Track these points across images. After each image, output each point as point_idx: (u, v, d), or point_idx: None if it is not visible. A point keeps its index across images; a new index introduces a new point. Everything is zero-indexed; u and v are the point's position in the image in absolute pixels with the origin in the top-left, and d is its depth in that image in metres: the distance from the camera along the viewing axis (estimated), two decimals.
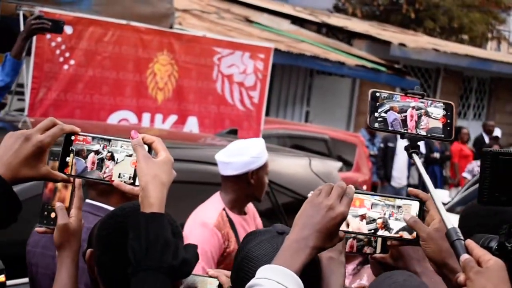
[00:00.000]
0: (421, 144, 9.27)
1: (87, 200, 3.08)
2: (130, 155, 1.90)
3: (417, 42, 18.06)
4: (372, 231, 2.01)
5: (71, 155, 1.91)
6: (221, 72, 7.90)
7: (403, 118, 2.01)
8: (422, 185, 13.28)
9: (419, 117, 2.02)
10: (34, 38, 6.64)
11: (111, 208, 3.00)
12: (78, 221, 2.20)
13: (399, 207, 2.02)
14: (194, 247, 1.88)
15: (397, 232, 2.01)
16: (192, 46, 7.75)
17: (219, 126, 7.80)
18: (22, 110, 7.04)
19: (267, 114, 9.58)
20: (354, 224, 2.00)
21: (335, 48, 15.33)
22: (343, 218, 1.87)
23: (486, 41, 27.23)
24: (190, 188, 4.49)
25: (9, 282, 3.43)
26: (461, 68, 18.88)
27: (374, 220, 2.00)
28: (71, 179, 1.95)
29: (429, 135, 2.02)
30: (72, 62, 6.99)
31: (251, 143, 4.28)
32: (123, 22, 7.31)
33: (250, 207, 4.35)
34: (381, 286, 1.83)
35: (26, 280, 3.40)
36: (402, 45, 16.66)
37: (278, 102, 15.41)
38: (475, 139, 16.35)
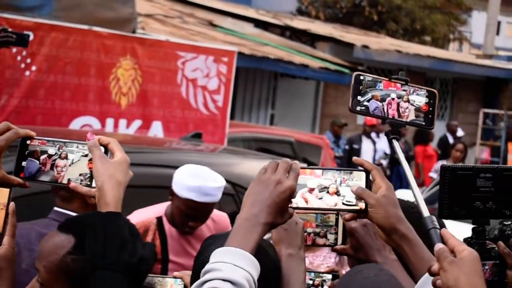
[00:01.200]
0: (386, 145, 9.29)
1: (55, 208, 3.06)
2: (86, 155, 1.90)
3: (380, 44, 18.19)
4: (323, 198, 1.98)
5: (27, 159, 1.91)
6: (185, 76, 7.88)
7: (384, 106, 2.02)
8: None
9: (399, 104, 2.03)
10: None
11: (74, 214, 2.98)
12: (11, 249, 2.13)
13: (350, 173, 2.01)
14: (152, 245, 1.87)
15: (348, 201, 1.99)
16: (155, 50, 7.73)
17: (183, 130, 7.78)
18: None
19: (232, 117, 9.57)
20: (311, 200, 1.98)
21: (299, 51, 15.37)
22: (291, 191, 1.87)
23: (448, 42, 27.56)
24: (154, 192, 4.47)
25: None
26: (423, 69, 19.05)
27: (326, 187, 1.99)
28: (27, 183, 1.93)
29: (410, 121, 2.03)
30: (33, 68, 6.93)
31: (200, 170, 3.95)
32: (85, 27, 7.26)
33: (219, 225, 4.13)
34: (352, 281, 1.82)
35: None
36: (365, 47, 16.76)
37: (242, 105, 15.41)
38: (439, 139, 16.49)
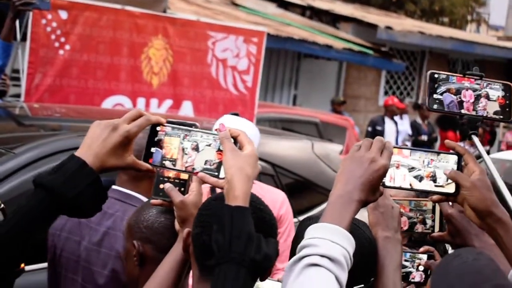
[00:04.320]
0: (408, 126, 9.29)
1: (114, 187, 3.05)
2: (209, 145, 1.89)
3: (403, 25, 18.10)
4: (418, 179, 1.99)
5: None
6: (216, 56, 7.89)
7: (459, 100, 2.02)
8: None
9: (476, 98, 2.02)
10: (30, 23, 6.62)
11: (140, 196, 2.98)
12: (199, 195, 2.16)
13: (438, 154, 2.02)
14: (276, 243, 1.85)
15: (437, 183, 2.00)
16: (186, 30, 7.73)
17: (213, 110, 7.80)
18: (17, 95, 7.00)
19: None
20: (399, 176, 2.00)
21: (322, 32, 15.33)
22: (385, 170, 1.89)
23: (466, 24, 27.38)
24: None
25: (27, 267, 3.43)
26: (446, 51, 18.96)
27: (413, 168, 2.00)
28: (155, 169, 1.93)
29: (487, 116, 2.03)
30: (67, 47, 6.95)
31: None
32: (118, 6, 7.27)
33: (264, 196, 4.21)
34: (450, 266, 1.82)
35: (45, 265, 3.42)
36: (388, 28, 16.70)
37: (266, 85, 15.39)
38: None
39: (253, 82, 8.21)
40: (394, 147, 1.97)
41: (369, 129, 13.63)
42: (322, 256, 1.73)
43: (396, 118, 13.75)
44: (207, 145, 1.89)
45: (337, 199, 1.85)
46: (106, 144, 1.82)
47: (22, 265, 3.34)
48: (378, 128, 13.40)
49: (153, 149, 1.91)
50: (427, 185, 2.00)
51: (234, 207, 1.77)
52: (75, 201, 1.74)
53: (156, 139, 1.91)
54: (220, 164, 1.87)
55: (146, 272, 2.22)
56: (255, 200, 1.94)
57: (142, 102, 7.46)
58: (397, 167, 1.99)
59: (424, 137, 14.06)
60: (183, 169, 1.90)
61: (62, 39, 6.90)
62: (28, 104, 6.43)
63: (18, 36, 7.15)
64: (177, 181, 2.21)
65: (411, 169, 2.00)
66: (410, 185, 2.00)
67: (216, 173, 1.87)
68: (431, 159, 2.00)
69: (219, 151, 1.88)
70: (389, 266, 2.01)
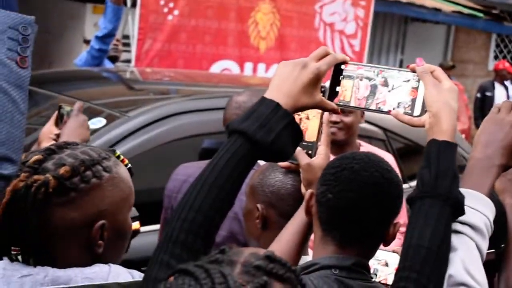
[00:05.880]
0: (503, 95, 8.88)
1: None
2: (408, 81, 1.78)
3: None
4: None
5: (341, 84, 1.83)
6: (323, 20, 7.82)
7: None
8: None
9: None
10: None
11: None
12: (326, 158, 2.12)
13: None
14: None
15: None
16: None
17: None
18: (127, 61, 7.13)
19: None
20: None
21: None
22: None
23: None
24: None
25: (142, 229, 3.49)
26: None
27: None
28: (339, 109, 1.84)
29: None
30: (176, 12, 7.01)
31: None
32: None
33: None
34: None
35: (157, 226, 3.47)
36: None
37: (371, 50, 15.16)
38: None
39: (360, 47, 8.13)
40: None
41: (478, 95, 13.25)
42: (463, 223, 1.68)
43: (507, 83, 13.31)
44: (404, 81, 1.79)
45: (477, 163, 1.79)
46: (298, 82, 1.71)
47: (138, 226, 3.41)
48: (488, 93, 13.00)
49: (337, 88, 1.82)
50: None
51: (441, 142, 1.69)
52: (273, 145, 1.63)
53: (343, 76, 1.82)
54: (414, 101, 1.77)
55: (268, 234, 2.21)
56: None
57: (250, 67, 7.48)
58: None
59: None
60: (374, 107, 1.79)
61: (171, 5, 6.97)
62: (138, 68, 6.54)
63: (129, 2, 7.26)
64: (304, 143, 2.14)
65: None
66: None
67: (410, 111, 1.77)
68: None
69: (413, 88, 1.77)
70: None
